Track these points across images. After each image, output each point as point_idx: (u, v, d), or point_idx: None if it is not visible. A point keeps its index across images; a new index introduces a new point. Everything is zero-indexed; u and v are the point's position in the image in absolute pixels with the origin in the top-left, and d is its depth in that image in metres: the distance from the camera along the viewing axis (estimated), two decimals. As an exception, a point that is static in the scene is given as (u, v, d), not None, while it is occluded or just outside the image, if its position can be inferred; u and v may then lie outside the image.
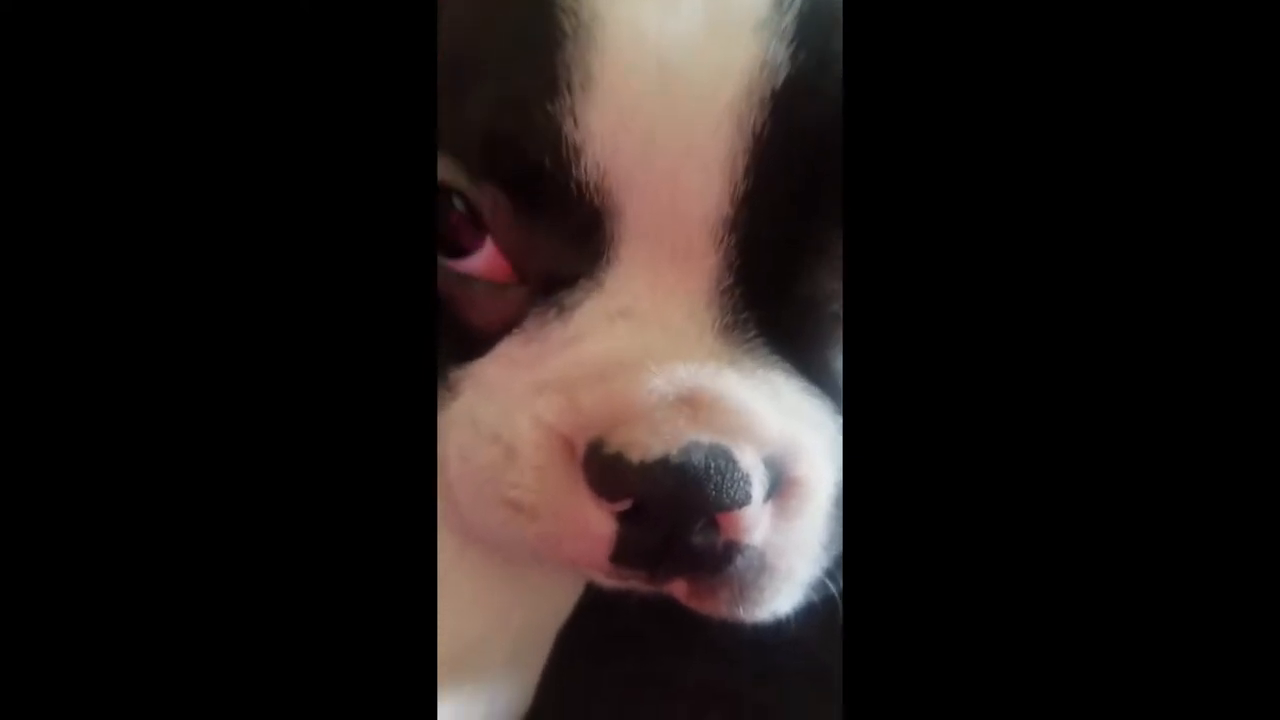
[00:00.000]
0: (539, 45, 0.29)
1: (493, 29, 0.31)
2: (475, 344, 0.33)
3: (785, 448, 0.30)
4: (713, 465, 0.29)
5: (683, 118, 0.29)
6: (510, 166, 0.30)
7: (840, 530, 0.32)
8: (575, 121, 0.29)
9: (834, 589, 0.32)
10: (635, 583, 0.32)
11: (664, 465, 0.28)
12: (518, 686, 0.37)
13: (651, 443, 0.29)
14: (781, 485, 0.30)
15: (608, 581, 0.33)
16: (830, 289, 0.30)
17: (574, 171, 0.29)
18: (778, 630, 0.32)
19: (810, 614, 0.33)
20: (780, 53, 0.29)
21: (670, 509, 0.29)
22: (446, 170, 0.31)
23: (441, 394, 0.33)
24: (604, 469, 0.29)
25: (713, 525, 0.29)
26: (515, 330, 0.32)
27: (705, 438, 0.29)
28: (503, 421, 0.31)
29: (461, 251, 0.32)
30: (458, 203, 0.31)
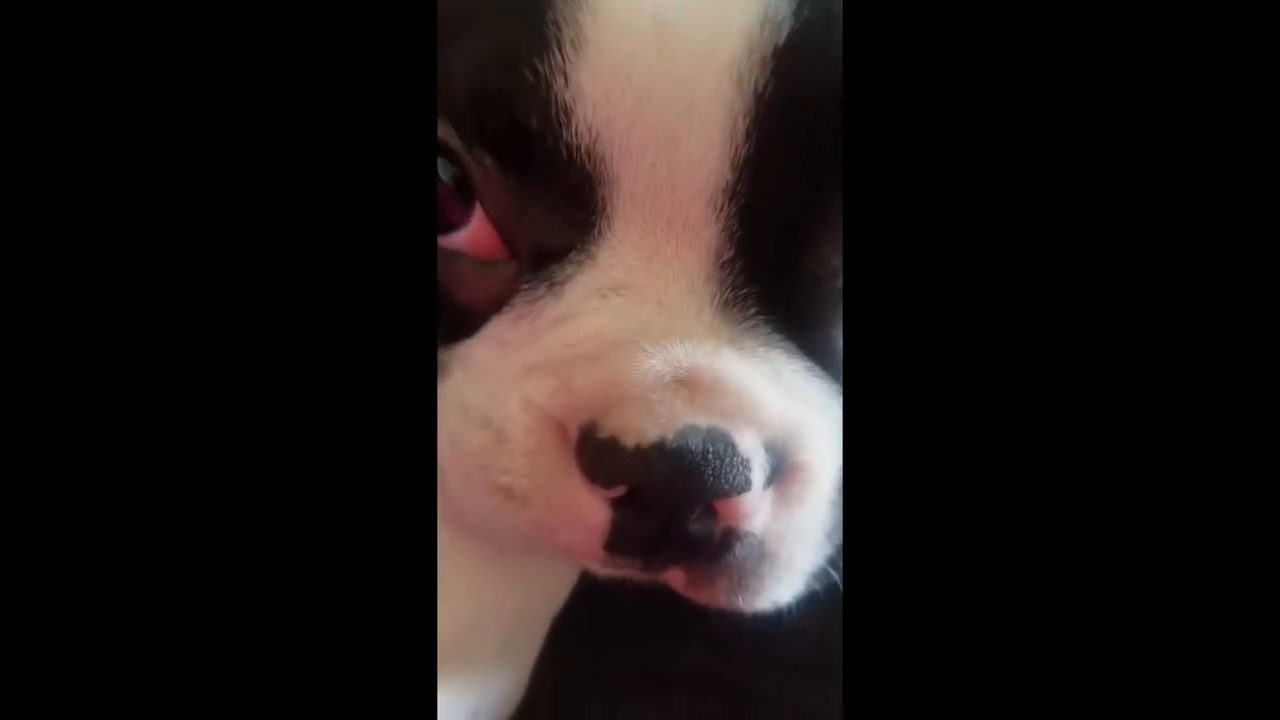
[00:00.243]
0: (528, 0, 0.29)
1: None
2: (464, 324, 0.32)
3: (787, 431, 0.30)
4: (711, 450, 0.28)
5: (680, 77, 0.28)
6: (497, 127, 0.29)
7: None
8: (566, 80, 0.28)
9: (837, 577, 0.32)
10: (631, 571, 0.31)
11: (660, 450, 0.28)
12: (511, 676, 0.36)
13: (647, 426, 0.28)
14: (783, 470, 0.30)
15: (602, 570, 0.33)
16: (836, 264, 0.30)
17: (564, 134, 0.28)
18: (778, 620, 0.32)
19: (813, 603, 0.32)
20: (782, 8, 0.28)
21: (667, 496, 0.29)
22: (439, 131, 0.30)
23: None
24: (597, 454, 0.29)
25: (711, 512, 0.29)
26: (505, 309, 0.31)
27: (703, 421, 0.28)
28: (492, 405, 0.31)
29: (448, 226, 0.31)
30: (445, 173, 0.31)
